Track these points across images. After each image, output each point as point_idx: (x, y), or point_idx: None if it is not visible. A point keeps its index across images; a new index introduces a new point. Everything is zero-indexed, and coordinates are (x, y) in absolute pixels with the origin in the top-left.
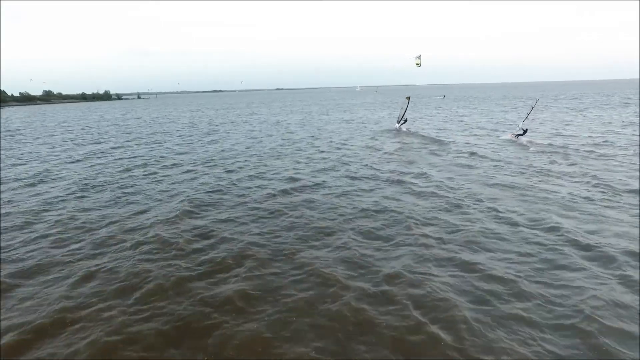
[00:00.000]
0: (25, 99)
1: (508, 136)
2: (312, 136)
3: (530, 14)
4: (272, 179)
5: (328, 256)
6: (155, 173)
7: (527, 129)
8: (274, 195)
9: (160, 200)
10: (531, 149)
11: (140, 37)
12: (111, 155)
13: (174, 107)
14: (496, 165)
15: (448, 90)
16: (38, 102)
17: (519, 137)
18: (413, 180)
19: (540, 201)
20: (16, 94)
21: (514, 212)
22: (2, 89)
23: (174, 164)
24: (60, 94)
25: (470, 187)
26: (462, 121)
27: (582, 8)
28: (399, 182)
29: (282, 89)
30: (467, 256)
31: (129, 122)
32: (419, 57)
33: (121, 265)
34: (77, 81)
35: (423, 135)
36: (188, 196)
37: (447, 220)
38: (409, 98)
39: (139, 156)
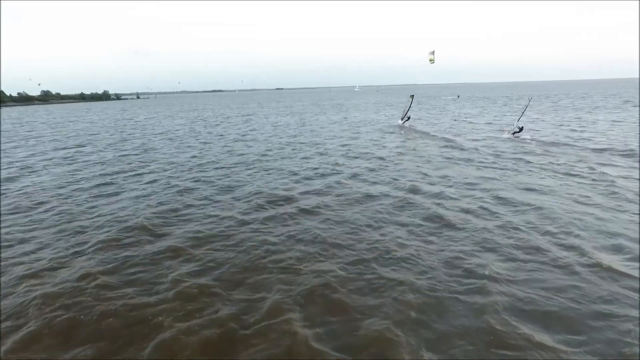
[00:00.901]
0: (23, 99)
1: (505, 134)
2: (305, 141)
3: (530, 14)
4: (247, 194)
5: (302, 316)
6: (114, 184)
7: (522, 127)
8: (245, 214)
9: (108, 222)
10: (535, 151)
11: (140, 37)
12: (82, 161)
13: (168, 107)
14: (520, 175)
15: (448, 89)
16: (36, 102)
17: (516, 134)
18: (421, 197)
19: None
20: (15, 94)
21: (559, 244)
22: (1, 89)
23: (144, 172)
24: (58, 94)
25: (491, 204)
26: (471, 122)
27: (582, 8)
28: (403, 201)
29: (282, 88)
30: (507, 324)
31: (118, 123)
32: (433, 53)
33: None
34: (77, 81)
35: (431, 136)
36: (137, 223)
37: (473, 254)
38: (412, 97)
39: (108, 162)
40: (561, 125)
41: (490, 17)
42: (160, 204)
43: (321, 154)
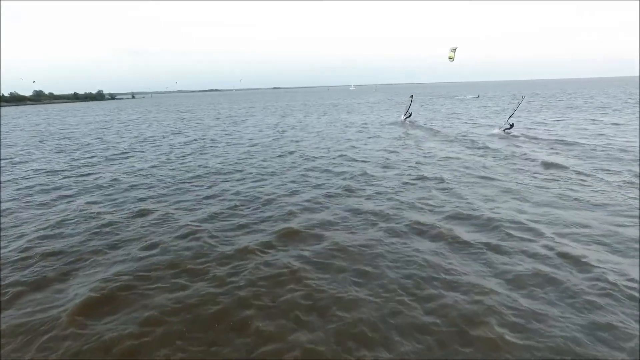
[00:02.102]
0: (15, 99)
1: (496, 131)
2: (282, 153)
3: (530, 14)
4: (185, 229)
5: None
6: (17, 213)
7: (513, 124)
8: (173, 267)
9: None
10: (566, 164)
11: (140, 37)
12: (8, 176)
13: (156, 106)
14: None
15: (448, 88)
16: (28, 102)
17: (506, 131)
18: (434, 243)
19: None
20: (7, 94)
21: None
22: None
23: (69, 194)
24: (51, 93)
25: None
26: (479, 124)
27: (582, 8)
28: (409, 248)
29: (279, 87)
30: None
31: (93, 125)
32: (454, 51)
33: None
34: (78, 81)
35: (434, 140)
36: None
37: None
38: (412, 96)
39: (39, 177)
40: (581, 127)
41: (490, 17)
42: (63, 249)
43: (299, 165)
